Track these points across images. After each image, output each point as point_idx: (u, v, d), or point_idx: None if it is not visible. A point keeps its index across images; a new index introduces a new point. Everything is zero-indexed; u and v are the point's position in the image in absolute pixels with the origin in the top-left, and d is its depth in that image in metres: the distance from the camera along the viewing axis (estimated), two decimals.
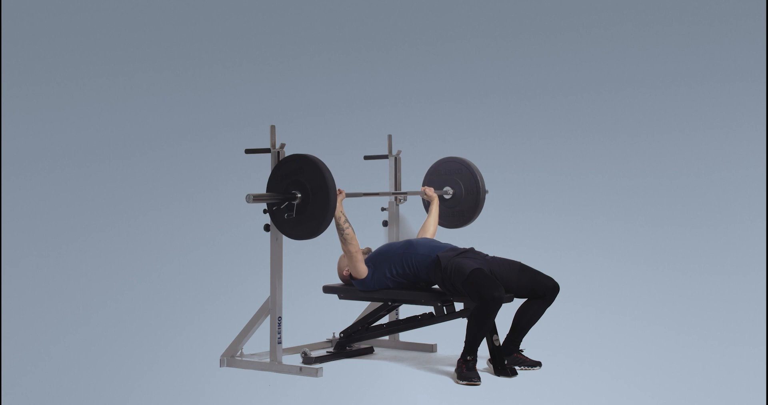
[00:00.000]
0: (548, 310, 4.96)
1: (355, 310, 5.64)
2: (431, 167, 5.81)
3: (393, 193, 5.63)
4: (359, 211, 5.48)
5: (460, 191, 5.70)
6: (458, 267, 4.84)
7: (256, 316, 4.97)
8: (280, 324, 4.89)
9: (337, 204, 4.90)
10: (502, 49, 7.37)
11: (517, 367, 4.88)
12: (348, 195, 5.08)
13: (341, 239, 4.99)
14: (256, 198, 4.70)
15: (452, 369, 4.85)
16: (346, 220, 4.97)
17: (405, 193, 5.65)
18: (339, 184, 4.86)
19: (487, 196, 5.69)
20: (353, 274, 5.09)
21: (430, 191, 5.62)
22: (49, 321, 5.89)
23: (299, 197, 4.73)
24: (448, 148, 6.07)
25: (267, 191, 4.83)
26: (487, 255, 5.10)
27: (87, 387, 4.61)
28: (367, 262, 5.12)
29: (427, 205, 5.76)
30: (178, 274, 6.60)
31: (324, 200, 4.65)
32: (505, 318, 4.94)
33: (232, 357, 5.00)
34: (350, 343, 5.38)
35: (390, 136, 5.75)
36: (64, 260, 6.41)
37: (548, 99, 7.32)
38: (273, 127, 4.97)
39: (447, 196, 5.72)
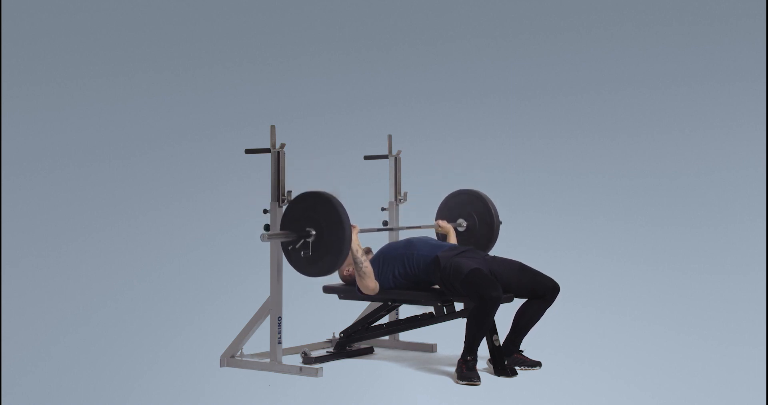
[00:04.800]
0: (548, 310, 4.96)
1: (355, 310, 5.64)
2: (442, 202, 5.72)
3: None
4: (359, 211, 5.47)
5: (474, 222, 5.63)
6: (457, 267, 4.84)
7: (256, 316, 4.97)
8: (280, 324, 4.89)
9: (353, 238, 4.88)
10: (502, 49, 7.37)
11: (517, 367, 4.88)
12: (361, 230, 5.08)
13: (358, 274, 4.98)
14: (271, 236, 4.70)
15: (452, 369, 4.85)
16: (364, 254, 4.96)
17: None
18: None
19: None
20: (364, 292, 5.06)
21: (444, 223, 5.51)
22: (49, 321, 5.88)
23: (314, 234, 4.73)
24: (448, 148, 6.07)
25: (281, 230, 4.82)
26: (487, 255, 5.10)
27: (87, 387, 4.60)
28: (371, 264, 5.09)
29: (442, 239, 5.61)
30: (178, 274, 6.59)
31: (340, 235, 4.64)
32: (505, 318, 4.93)
33: (232, 357, 4.99)
34: (350, 343, 5.38)
35: (390, 136, 5.75)
36: (64, 260, 6.41)
37: (548, 99, 7.32)
38: (273, 127, 4.96)
39: (461, 229, 5.62)
